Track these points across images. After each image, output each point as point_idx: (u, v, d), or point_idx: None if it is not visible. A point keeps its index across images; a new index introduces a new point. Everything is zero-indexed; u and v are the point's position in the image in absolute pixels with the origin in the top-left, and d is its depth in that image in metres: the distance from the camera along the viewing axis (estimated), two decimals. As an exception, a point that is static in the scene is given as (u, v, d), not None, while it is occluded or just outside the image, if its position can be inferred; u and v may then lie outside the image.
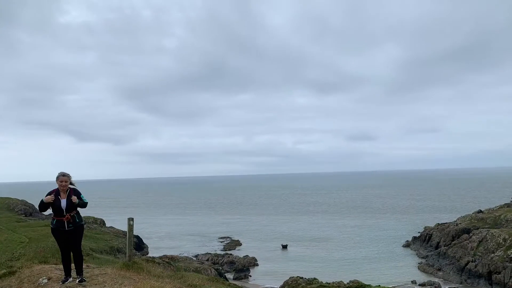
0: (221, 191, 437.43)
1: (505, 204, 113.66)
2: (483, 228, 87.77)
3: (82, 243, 17.13)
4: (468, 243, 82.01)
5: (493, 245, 75.64)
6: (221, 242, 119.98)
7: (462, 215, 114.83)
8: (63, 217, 15.15)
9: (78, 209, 15.73)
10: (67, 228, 15.25)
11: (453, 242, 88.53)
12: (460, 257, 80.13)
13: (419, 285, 73.68)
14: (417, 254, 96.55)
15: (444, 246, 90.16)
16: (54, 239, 15.93)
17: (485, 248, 76.81)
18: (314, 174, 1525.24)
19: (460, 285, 73.76)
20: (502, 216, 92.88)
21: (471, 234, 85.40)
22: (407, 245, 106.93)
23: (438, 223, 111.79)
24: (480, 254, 76.52)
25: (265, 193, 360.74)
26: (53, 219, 15.37)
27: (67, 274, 16.00)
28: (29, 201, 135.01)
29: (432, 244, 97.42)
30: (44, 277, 16.76)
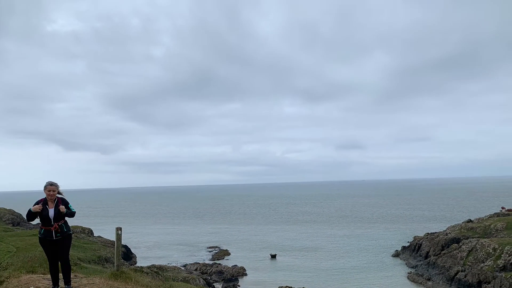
0: (209, 200, 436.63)
1: (495, 213, 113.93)
2: (472, 237, 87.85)
3: (70, 252, 16.91)
4: (458, 253, 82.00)
5: (483, 254, 75.64)
6: (210, 251, 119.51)
7: (452, 224, 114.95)
8: (51, 227, 14.98)
9: (66, 218, 15.56)
10: (55, 237, 15.07)
11: (443, 252, 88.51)
12: (450, 266, 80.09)
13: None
14: (406, 264, 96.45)
15: (434, 256, 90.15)
16: (42, 249, 15.74)
17: (475, 257, 76.79)
18: (303, 184, 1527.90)
19: (450, 295, 73.67)
20: (491, 226, 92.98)
21: (460, 244, 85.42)
22: (396, 254, 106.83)
23: (428, 233, 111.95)
24: (469, 263, 76.48)
25: (254, 203, 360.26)
26: (41, 229, 15.20)
27: (55, 284, 15.78)
28: (16, 211, 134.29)
29: (421, 254, 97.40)
30: (32, 287, 16.48)
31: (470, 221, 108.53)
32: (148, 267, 65.63)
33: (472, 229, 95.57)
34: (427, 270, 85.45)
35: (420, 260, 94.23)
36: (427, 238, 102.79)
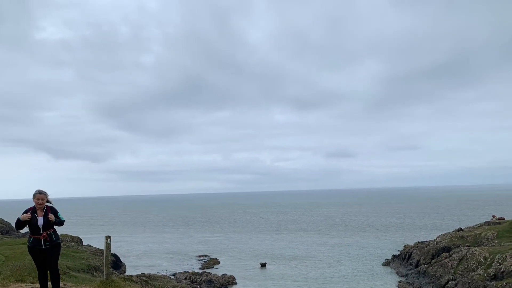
0: (199, 209, 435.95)
1: (486, 222, 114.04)
2: (463, 246, 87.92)
3: (59, 261, 16.74)
4: (448, 262, 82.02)
5: (474, 263, 75.67)
6: (199, 260, 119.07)
7: (442, 233, 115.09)
8: (40, 235, 14.92)
9: (55, 227, 15.45)
10: (44, 246, 15.00)
11: (433, 261, 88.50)
12: (440, 275, 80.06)
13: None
14: (396, 273, 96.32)
15: (424, 265, 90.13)
16: (31, 258, 15.65)
17: (466, 266, 76.81)
18: (293, 192, 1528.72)
19: (441, 304, 73.63)
20: (482, 234, 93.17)
21: (451, 253, 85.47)
22: (386, 263, 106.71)
23: (418, 241, 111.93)
24: (460, 272, 76.49)
25: (244, 211, 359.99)
26: (30, 237, 15.13)
27: (44, 292, 15.61)
28: (5, 219, 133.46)
29: (412, 263, 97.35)
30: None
31: (460, 229, 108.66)
32: (138, 276, 65.33)
33: (462, 238, 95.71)
34: (418, 279, 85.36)
35: (411, 269, 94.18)
36: (417, 246, 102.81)
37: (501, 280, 67.20)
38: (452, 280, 75.98)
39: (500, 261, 70.91)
